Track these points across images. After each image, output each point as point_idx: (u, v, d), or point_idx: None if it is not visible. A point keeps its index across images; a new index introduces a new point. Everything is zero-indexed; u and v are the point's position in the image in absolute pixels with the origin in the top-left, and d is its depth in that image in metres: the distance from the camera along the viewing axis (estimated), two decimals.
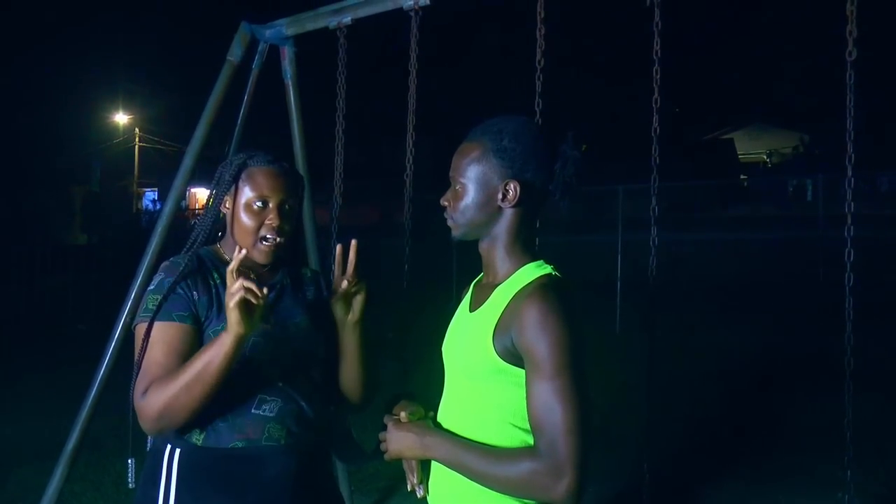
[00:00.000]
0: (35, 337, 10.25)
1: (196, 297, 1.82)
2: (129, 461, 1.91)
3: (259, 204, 1.87)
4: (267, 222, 1.87)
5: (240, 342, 1.67)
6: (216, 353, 1.67)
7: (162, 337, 1.77)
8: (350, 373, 1.98)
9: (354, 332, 1.93)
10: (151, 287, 1.85)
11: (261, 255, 1.89)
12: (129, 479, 1.92)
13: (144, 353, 1.78)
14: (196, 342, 1.79)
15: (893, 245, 10.45)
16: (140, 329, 1.81)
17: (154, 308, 1.80)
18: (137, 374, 1.78)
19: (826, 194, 12.21)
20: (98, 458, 4.91)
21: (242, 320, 1.63)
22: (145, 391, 1.74)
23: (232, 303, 1.62)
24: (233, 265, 1.64)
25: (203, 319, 1.82)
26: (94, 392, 3.43)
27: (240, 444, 1.81)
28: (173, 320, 1.79)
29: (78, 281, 11.82)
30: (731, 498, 4.45)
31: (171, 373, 1.72)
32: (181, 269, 1.84)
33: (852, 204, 2.21)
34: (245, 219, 1.88)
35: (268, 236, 1.88)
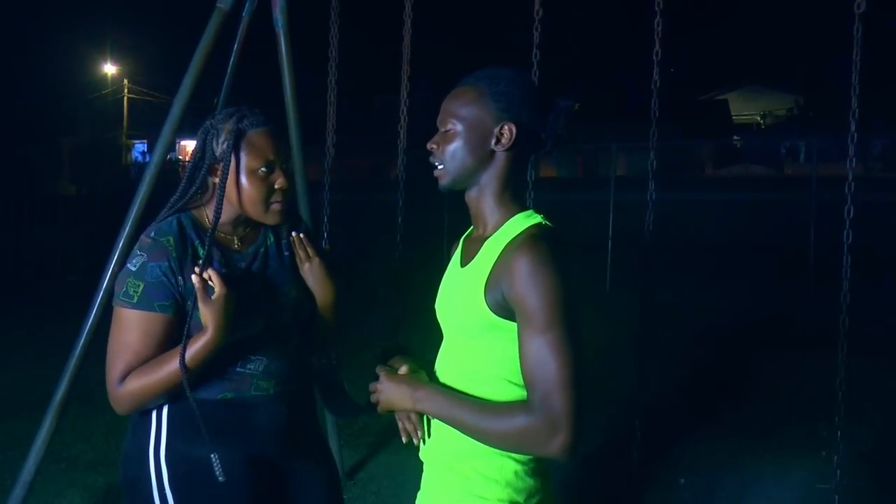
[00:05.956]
0: (24, 288, 10.21)
1: (181, 281, 1.75)
2: (213, 455, 1.74)
3: (265, 170, 1.81)
4: (277, 186, 1.82)
5: (218, 341, 1.72)
6: (196, 351, 1.71)
7: (140, 325, 1.73)
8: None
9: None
10: (133, 269, 1.75)
11: (274, 216, 1.85)
12: (218, 473, 1.74)
13: (122, 336, 1.75)
14: (177, 329, 1.75)
15: (884, 207, 10.47)
16: (118, 312, 1.77)
17: (134, 295, 1.74)
18: (112, 354, 1.76)
19: (820, 156, 12.15)
20: (88, 411, 4.90)
21: (217, 318, 1.70)
22: (121, 380, 1.74)
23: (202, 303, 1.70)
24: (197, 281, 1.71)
25: (189, 301, 1.75)
26: (81, 343, 3.40)
27: (230, 395, 1.81)
28: (154, 310, 1.73)
29: (67, 232, 11.74)
30: (718, 455, 4.49)
31: (147, 363, 1.73)
32: (169, 254, 1.75)
33: (854, 159, 2.19)
34: (253, 187, 1.81)
35: (279, 200, 1.83)
